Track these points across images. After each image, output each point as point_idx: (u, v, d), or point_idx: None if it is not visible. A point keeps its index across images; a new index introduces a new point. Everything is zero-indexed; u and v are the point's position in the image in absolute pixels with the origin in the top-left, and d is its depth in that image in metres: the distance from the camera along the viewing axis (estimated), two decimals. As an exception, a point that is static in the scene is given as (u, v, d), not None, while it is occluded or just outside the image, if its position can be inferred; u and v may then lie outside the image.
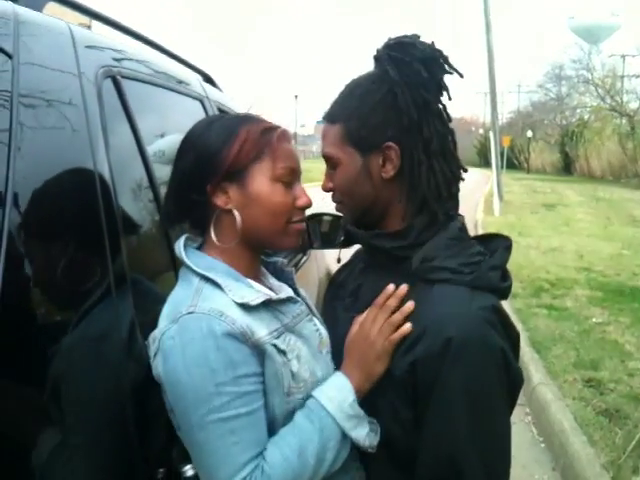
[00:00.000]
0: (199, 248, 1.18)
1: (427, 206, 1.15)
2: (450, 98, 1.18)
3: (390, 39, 1.18)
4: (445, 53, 1.17)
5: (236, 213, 1.11)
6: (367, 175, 1.16)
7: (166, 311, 1.08)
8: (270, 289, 1.19)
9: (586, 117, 36.88)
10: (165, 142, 1.72)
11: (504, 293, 1.15)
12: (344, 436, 1.08)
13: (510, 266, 1.19)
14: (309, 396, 1.10)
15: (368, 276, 1.24)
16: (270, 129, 1.14)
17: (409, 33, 1.17)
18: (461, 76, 1.18)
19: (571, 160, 37.40)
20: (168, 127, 1.85)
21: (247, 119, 1.16)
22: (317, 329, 1.17)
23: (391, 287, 1.13)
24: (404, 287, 1.13)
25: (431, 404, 1.04)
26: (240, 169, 1.11)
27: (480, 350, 1.02)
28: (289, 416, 1.08)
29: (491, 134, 16.75)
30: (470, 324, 1.03)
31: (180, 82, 2.03)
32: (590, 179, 33.16)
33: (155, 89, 1.74)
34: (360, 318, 1.16)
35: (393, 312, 1.11)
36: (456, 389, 1.02)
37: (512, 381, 1.08)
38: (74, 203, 1.09)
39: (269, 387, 1.05)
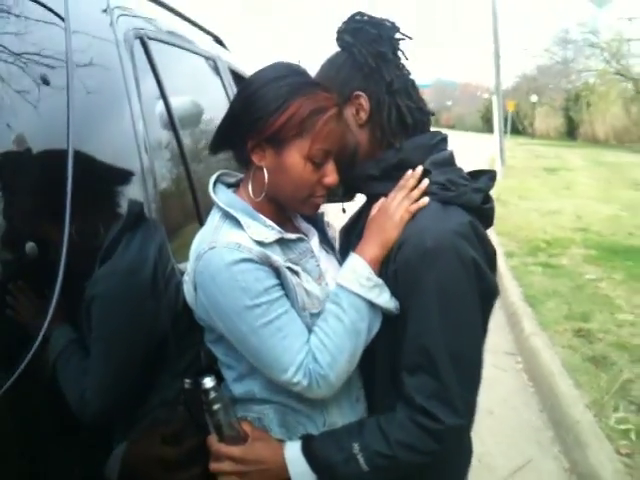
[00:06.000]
0: (233, 185, 1.34)
1: (390, 134, 1.30)
2: (405, 54, 1.34)
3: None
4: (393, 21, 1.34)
5: (266, 173, 1.25)
6: (346, 127, 1.30)
7: (193, 249, 1.25)
8: (297, 229, 1.37)
9: (591, 81, 36.41)
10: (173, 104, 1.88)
11: (485, 215, 1.30)
12: (372, 305, 1.23)
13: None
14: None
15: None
16: (321, 110, 1.20)
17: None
18: (410, 38, 1.34)
19: (575, 125, 37.09)
20: (185, 86, 2.02)
21: (306, 90, 1.21)
22: (317, 265, 1.32)
23: (409, 172, 1.28)
24: (420, 168, 1.27)
25: (410, 306, 1.20)
26: (280, 139, 1.20)
27: (452, 257, 1.17)
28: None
29: (494, 98, 16.53)
30: (445, 236, 1.18)
31: (195, 43, 2.19)
32: (594, 143, 32.95)
33: (175, 49, 1.91)
34: (381, 200, 1.31)
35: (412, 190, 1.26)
36: (430, 290, 1.17)
37: (484, 287, 1.22)
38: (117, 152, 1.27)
39: None
